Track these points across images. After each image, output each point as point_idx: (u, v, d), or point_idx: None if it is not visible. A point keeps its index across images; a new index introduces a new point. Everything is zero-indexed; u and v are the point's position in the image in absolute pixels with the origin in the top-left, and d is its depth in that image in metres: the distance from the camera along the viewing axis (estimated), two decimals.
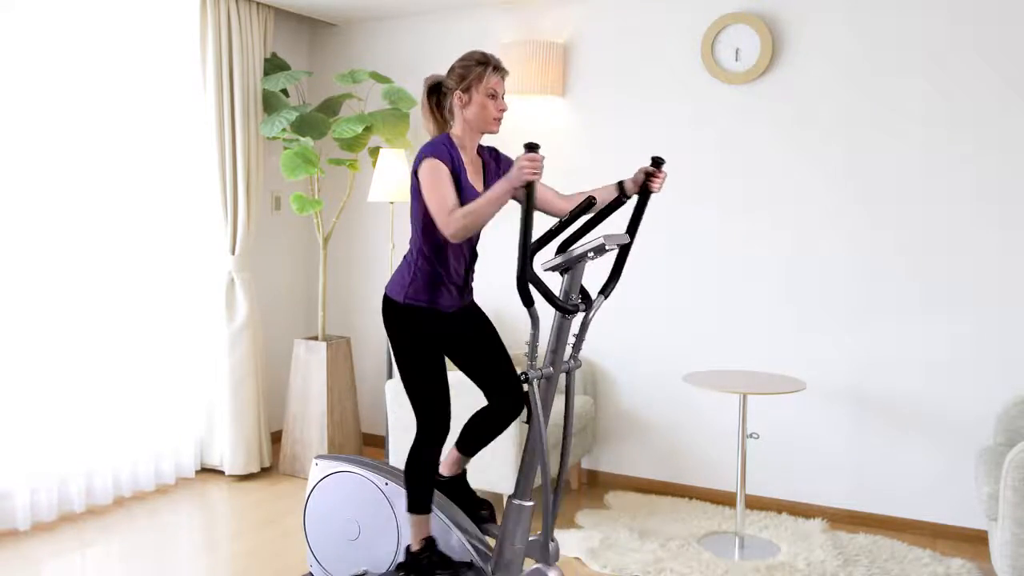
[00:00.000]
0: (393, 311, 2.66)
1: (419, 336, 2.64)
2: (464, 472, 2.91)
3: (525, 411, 2.71)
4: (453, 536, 2.75)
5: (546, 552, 2.63)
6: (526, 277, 2.41)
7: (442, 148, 2.56)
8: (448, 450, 2.88)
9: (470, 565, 2.70)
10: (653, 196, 3.89)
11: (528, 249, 2.40)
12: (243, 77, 4.36)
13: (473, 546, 2.74)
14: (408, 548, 2.75)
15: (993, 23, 3.60)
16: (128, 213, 4.06)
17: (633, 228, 2.67)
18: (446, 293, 2.66)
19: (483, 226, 2.47)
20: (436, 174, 2.50)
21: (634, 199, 4.30)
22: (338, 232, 5.14)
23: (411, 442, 2.76)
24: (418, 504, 2.71)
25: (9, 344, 3.61)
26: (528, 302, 2.44)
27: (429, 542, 2.72)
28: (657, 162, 2.59)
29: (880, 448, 3.87)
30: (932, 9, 3.70)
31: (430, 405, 2.66)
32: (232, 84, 4.34)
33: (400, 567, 2.75)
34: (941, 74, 3.70)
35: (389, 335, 2.70)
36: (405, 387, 2.68)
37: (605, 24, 4.35)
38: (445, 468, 2.88)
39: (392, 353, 2.73)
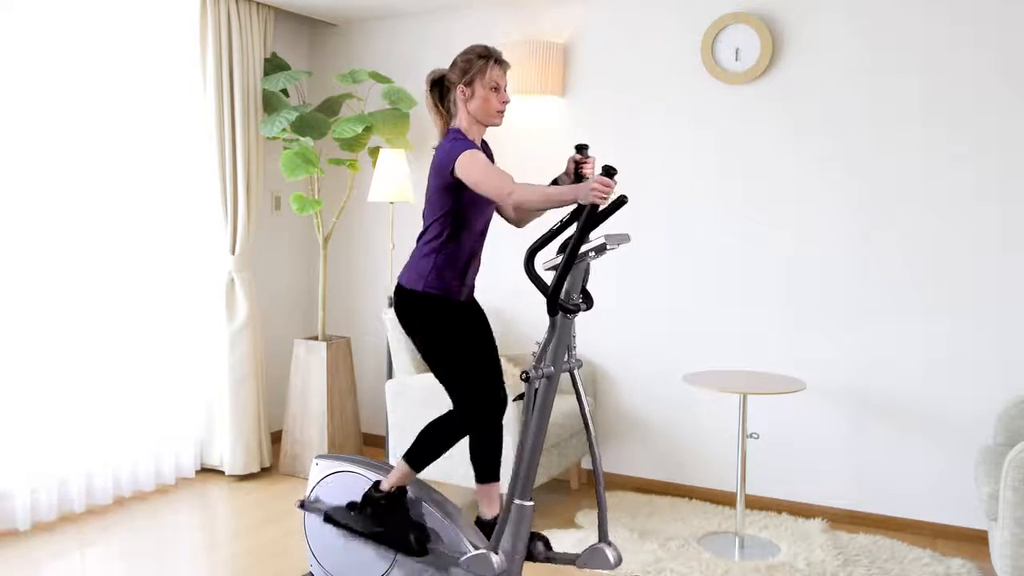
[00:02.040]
0: (410, 299, 2.70)
1: (441, 318, 2.68)
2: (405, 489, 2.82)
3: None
4: (450, 530, 2.75)
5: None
6: (559, 292, 2.44)
7: (467, 139, 2.64)
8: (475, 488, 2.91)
9: (421, 528, 2.70)
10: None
11: (570, 266, 2.41)
12: (243, 77, 4.36)
13: (471, 543, 2.74)
14: (377, 483, 2.76)
15: (993, 23, 3.60)
16: (128, 213, 4.06)
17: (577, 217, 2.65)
18: (459, 283, 2.73)
19: (529, 207, 2.45)
20: (479, 158, 2.55)
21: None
22: (338, 232, 5.14)
23: (441, 418, 2.73)
24: (417, 460, 2.71)
25: (9, 344, 3.61)
26: (554, 312, 2.47)
27: (400, 491, 2.74)
28: (580, 148, 2.61)
29: (880, 448, 3.87)
30: (932, 9, 3.70)
31: (472, 385, 2.65)
32: (232, 84, 4.34)
33: (352, 505, 2.80)
34: (941, 74, 3.70)
35: (409, 326, 2.72)
36: (443, 374, 2.69)
37: (605, 24, 4.35)
38: (485, 508, 2.88)
39: (420, 347, 2.72)
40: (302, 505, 2.96)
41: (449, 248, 2.69)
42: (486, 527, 2.83)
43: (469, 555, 2.54)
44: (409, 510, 2.75)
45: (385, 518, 2.72)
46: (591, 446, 2.65)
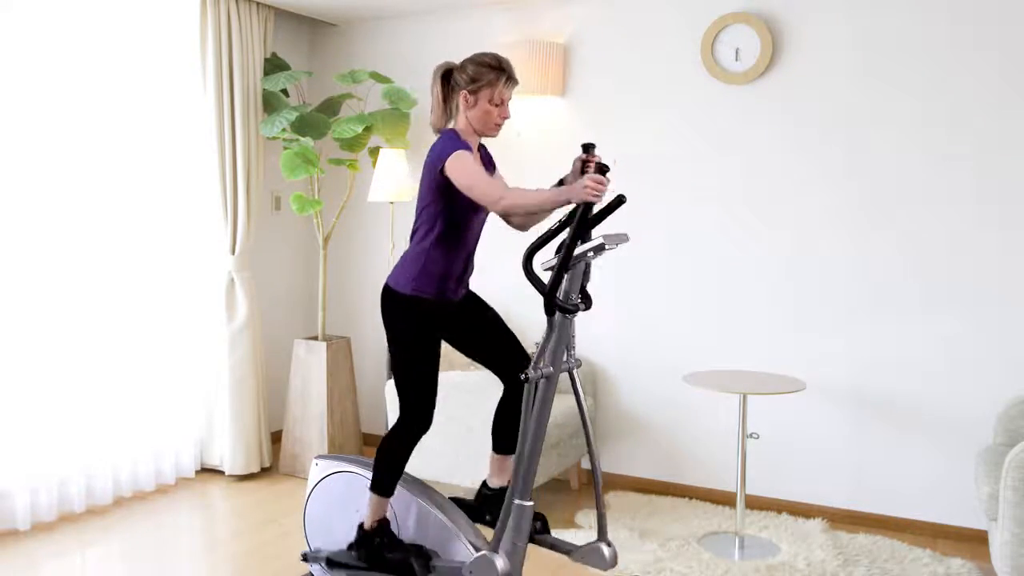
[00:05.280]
0: (396, 301, 2.68)
1: (421, 327, 2.66)
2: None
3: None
4: (455, 541, 2.74)
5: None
6: (556, 291, 2.42)
7: (460, 140, 2.61)
8: (489, 457, 2.92)
9: (419, 549, 2.72)
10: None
11: (567, 266, 2.39)
12: (243, 77, 4.36)
13: (472, 545, 2.74)
14: (361, 526, 2.79)
15: (993, 23, 3.60)
16: (128, 213, 4.06)
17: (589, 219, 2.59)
18: (451, 284, 2.71)
19: (522, 212, 2.45)
20: (468, 161, 2.53)
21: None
22: (338, 232, 5.14)
23: (387, 435, 2.76)
24: (383, 486, 2.74)
25: (9, 344, 3.61)
26: (551, 312, 2.46)
27: (383, 523, 2.77)
28: (587, 148, 2.57)
29: (880, 448, 3.87)
30: (932, 9, 3.70)
31: (417, 397, 2.68)
32: (232, 84, 4.34)
33: (351, 546, 2.81)
34: (941, 74, 3.70)
35: (387, 325, 2.72)
36: (395, 377, 2.70)
37: (605, 24, 4.35)
38: (495, 477, 2.88)
39: (388, 344, 2.74)
40: (304, 558, 2.98)
41: (441, 248, 2.66)
42: (490, 496, 2.86)
43: (472, 560, 2.54)
44: (401, 540, 2.78)
45: (382, 552, 2.74)
46: (589, 446, 2.64)
